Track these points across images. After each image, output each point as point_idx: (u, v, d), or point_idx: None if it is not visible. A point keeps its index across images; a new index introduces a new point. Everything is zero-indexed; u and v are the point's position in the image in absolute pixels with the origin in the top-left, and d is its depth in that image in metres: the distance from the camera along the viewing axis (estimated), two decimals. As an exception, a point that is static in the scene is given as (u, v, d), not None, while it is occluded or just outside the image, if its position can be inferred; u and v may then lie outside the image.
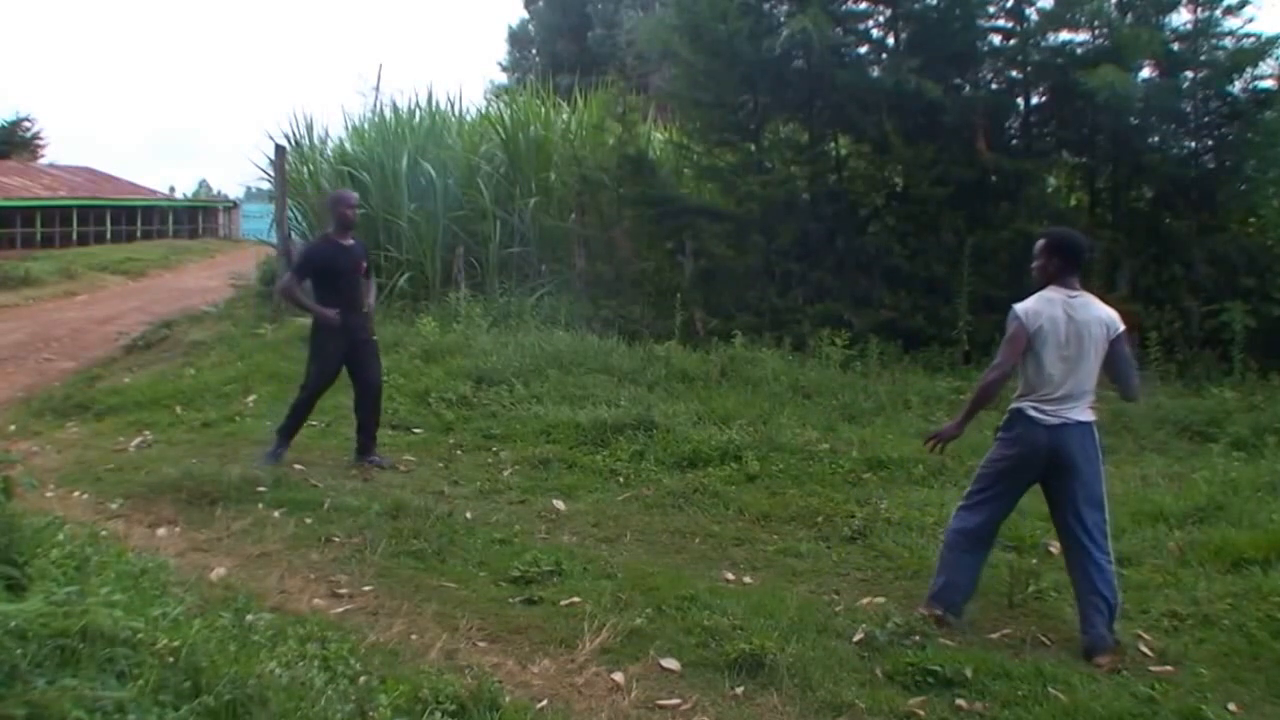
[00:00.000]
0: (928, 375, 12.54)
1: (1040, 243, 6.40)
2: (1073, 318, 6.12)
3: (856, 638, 5.97)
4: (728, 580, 7.04)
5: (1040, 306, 6.16)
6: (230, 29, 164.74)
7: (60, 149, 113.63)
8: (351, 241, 9.94)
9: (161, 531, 7.76)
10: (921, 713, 5.16)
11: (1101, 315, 6.16)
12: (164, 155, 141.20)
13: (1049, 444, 6.09)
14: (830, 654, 5.75)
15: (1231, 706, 5.26)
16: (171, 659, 3.86)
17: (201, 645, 4.05)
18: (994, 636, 6.15)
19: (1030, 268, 6.46)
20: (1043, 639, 6.12)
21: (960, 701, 5.26)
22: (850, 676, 5.51)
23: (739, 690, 5.36)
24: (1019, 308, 6.20)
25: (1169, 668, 5.73)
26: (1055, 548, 7.27)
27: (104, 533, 6.73)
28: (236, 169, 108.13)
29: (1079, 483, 6.12)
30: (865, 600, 6.64)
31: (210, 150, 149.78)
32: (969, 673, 5.46)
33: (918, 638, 5.92)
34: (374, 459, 9.78)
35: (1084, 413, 6.15)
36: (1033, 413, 6.11)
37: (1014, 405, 6.26)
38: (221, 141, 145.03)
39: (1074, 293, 6.20)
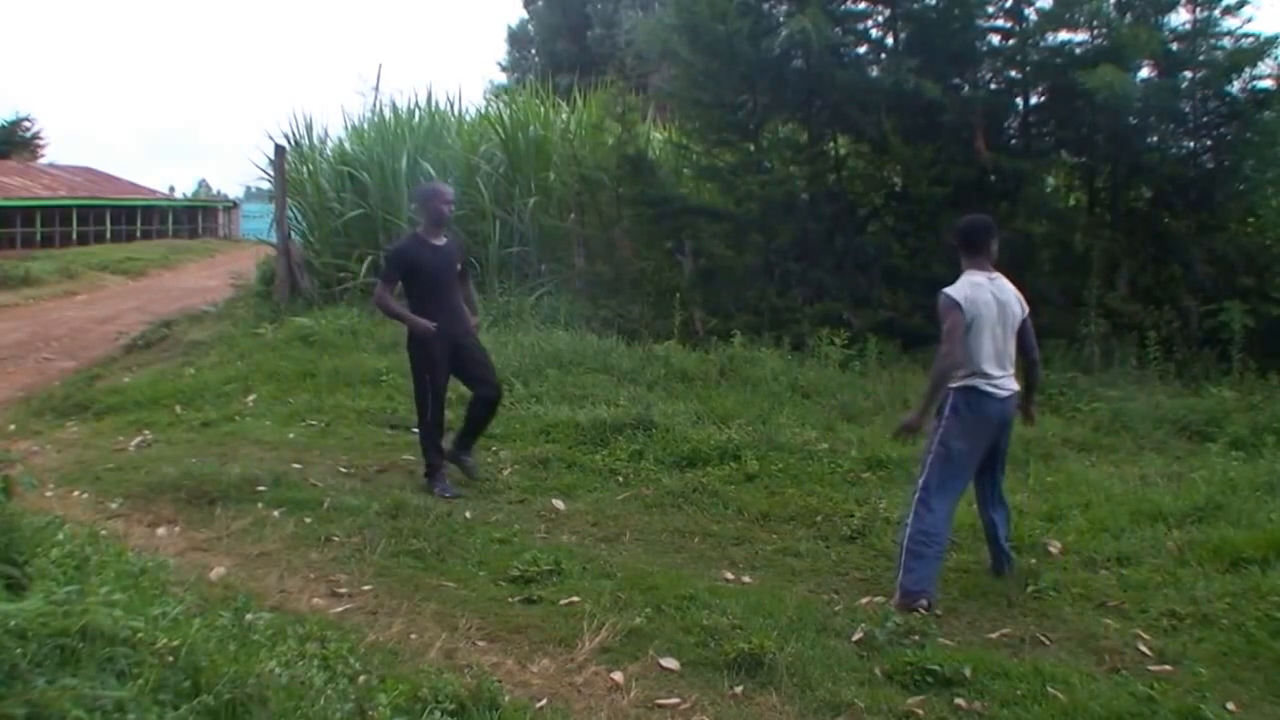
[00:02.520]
0: (926, 375, 12.51)
1: (951, 230, 7.08)
2: (998, 299, 6.63)
3: (855, 637, 5.99)
4: (727, 579, 7.06)
5: (973, 292, 6.56)
6: (230, 28, 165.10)
7: (60, 149, 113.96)
8: (444, 240, 9.35)
9: (161, 531, 7.77)
10: (920, 712, 5.17)
11: (1016, 294, 6.77)
12: (164, 155, 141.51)
13: (1002, 415, 6.69)
14: (829, 653, 5.76)
15: (1230, 706, 5.27)
16: (171, 658, 3.87)
17: (201, 645, 4.07)
18: (993, 636, 6.16)
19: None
20: (1042, 638, 6.12)
21: (959, 701, 5.27)
22: (849, 676, 5.51)
23: (738, 689, 5.36)
24: (956, 295, 6.53)
25: (1168, 667, 5.74)
26: (1055, 547, 7.33)
27: (104, 532, 6.75)
28: (236, 169, 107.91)
29: (1005, 443, 6.99)
30: (864, 600, 6.66)
31: (210, 150, 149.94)
32: (968, 672, 5.47)
33: (917, 637, 5.93)
34: (466, 459, 9.37)
35: (1015, 383, 6.76)
36: (989, 389, 6.56)
37: (965, 385, 6.59)
38: (221, 141, 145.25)
39: (992, 275, 6.73)
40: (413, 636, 5.85)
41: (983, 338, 6.53)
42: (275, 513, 8.12)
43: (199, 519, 8.08)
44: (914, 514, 6.59)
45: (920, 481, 6.67)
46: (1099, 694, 5.30)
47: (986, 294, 6.57)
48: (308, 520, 7.99)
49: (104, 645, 3.70)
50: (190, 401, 12.37)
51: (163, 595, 5.13)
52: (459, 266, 9.44)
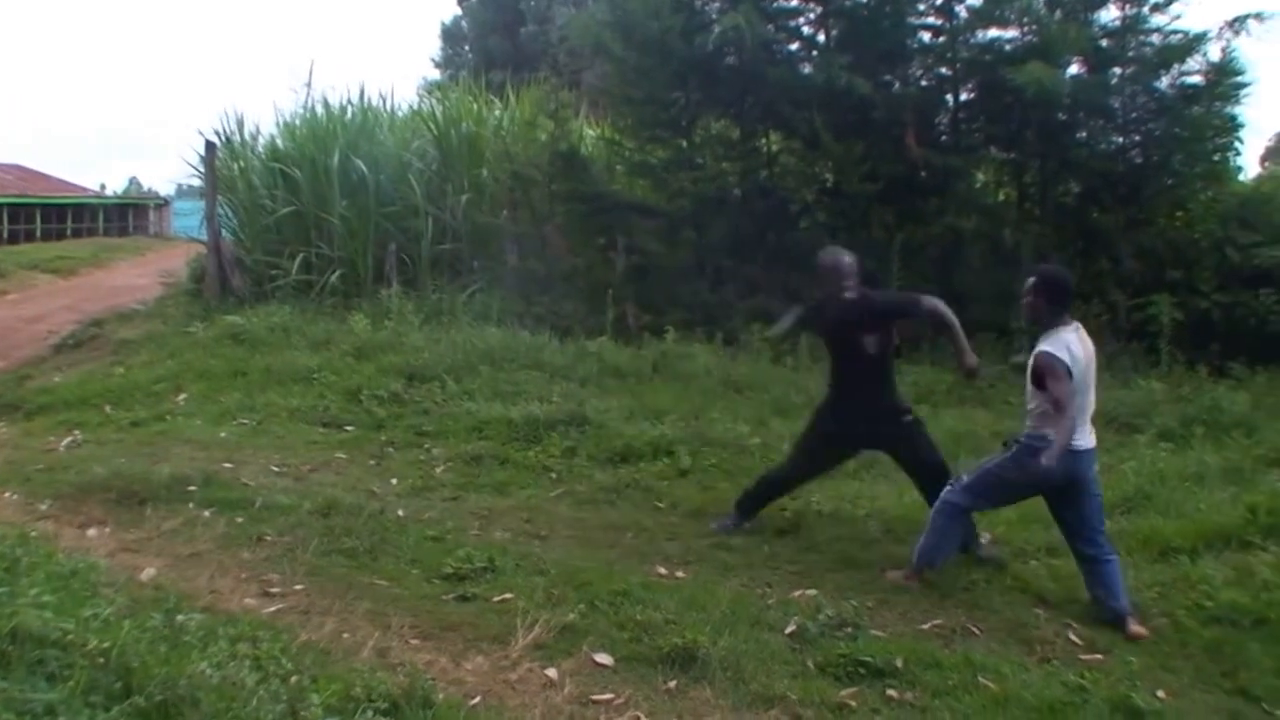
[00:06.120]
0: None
1: (1031, 280, 6.52)
2: (1088, 354, 6.43)
3: (788, 630, 6.00)
4: (660, 575, 7.05)
5: (1075, 351, 6.30)
6: (162, 25, 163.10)
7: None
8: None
9: (91, 532, 7.68)
10: (853, 703, 5.19)
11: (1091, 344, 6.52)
12: (95, 153, 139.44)
13: (1072, 469, 6.34)
14: (762, 646, 5.77)
15: (1160, 694, 5.36)
16: (102, 660, 3.84)
17: (132, 646, 4.03)
18: (925, 627, 6.20)
19: (1022, 303, 6.64)
20: (973, 629, 6.18)
21: (892, 692, 5.31)
22: (782, 669, 5.53)
23: (672, 684, 5.36)
24: (1064, 359, 6.21)
25: (1098, 656, 5.83)
26: (985, 538, 7.38)
27: (34, 534, 6.68)
28: (167, 166, 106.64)
29: (1088, 490, 6.54)
30: (797, 593, 6.66)
31: (141, 148, 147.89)
32: (900, 663, 5.52)
33: (849, 629, 5.96)
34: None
35: (1094, 437, 6.55)
36: (1073, 446, 6.26)
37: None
38: (152, 139, 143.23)
39: (1075, 325, 6.45)
40: (345, 635, 5.80)
41: (1081, 398, 6.33)
42: (206, 513, 8.03)
43: (129, 519, 7.97)
44: (959, 494, 6.69)
45: (968, 480, 6.73)
46: (1030, 683, 5.37)
47: (1081, 351, 6.35)
48: (239, 520, 7.89)
49: (34, 647, 3.67)
50: (120, 401, 12.25)
51: (93, 597, 5.07)
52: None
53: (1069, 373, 6.15)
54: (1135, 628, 6.14)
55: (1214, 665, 5.79)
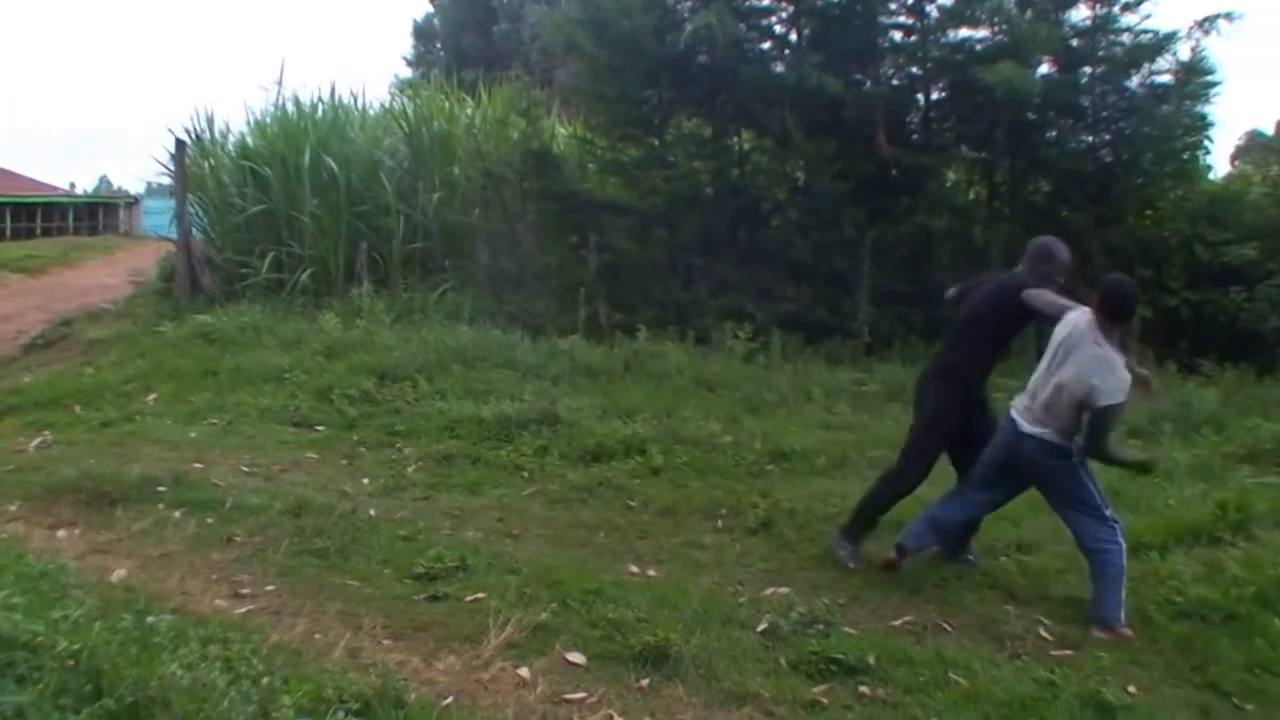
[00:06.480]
0: (830, 367, 12.66)
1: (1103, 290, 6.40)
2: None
3: (760, 628, 6.01)
4: (632, 573, 7.05)
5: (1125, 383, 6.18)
6: (132, 23, 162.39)
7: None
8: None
9: (61, 533, 7.61)
10: (825, 700, 5.21)
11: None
12: (65, 151, 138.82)
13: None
14: (735, 644, 5.78)
15: (1131, 689, 5.39)
16: (72, 662, 3.81)
17: (102, 648, 4.00)
18: (896, 624, 6.22)
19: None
20: (944, 625, 6.21)
21: (863, 688, 5.32)
22: (754, 666, 5.54)
23: (644, 682, 5.36)
24: (1122, 391, 6.10)
25: (1069, 652, 5.86)
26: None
27: (3, 535, 6.65)
28: (138, 164, 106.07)
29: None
30: (769, 590, 6.68)
31: (112, 146, 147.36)
32: (872, 660, 5.54)
33: (821, 626, 5.97)
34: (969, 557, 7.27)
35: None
36: None
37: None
38: (123, 137, 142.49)
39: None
40: (317, 636, 5.77)
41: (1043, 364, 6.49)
42: (176, 513, 7.96)
43: (99, 521, 7.91)
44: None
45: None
46: (1001, 679, 5.39)
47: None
48: (209, 521, 7.84)
49: (3, 650, 3.65)
50: (90, 401, 12.16)
51: (63, 598, 5.03)
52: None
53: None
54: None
55: (1184, 660, 5.82)
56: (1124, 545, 6.32)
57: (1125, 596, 6.25)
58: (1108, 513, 6.38)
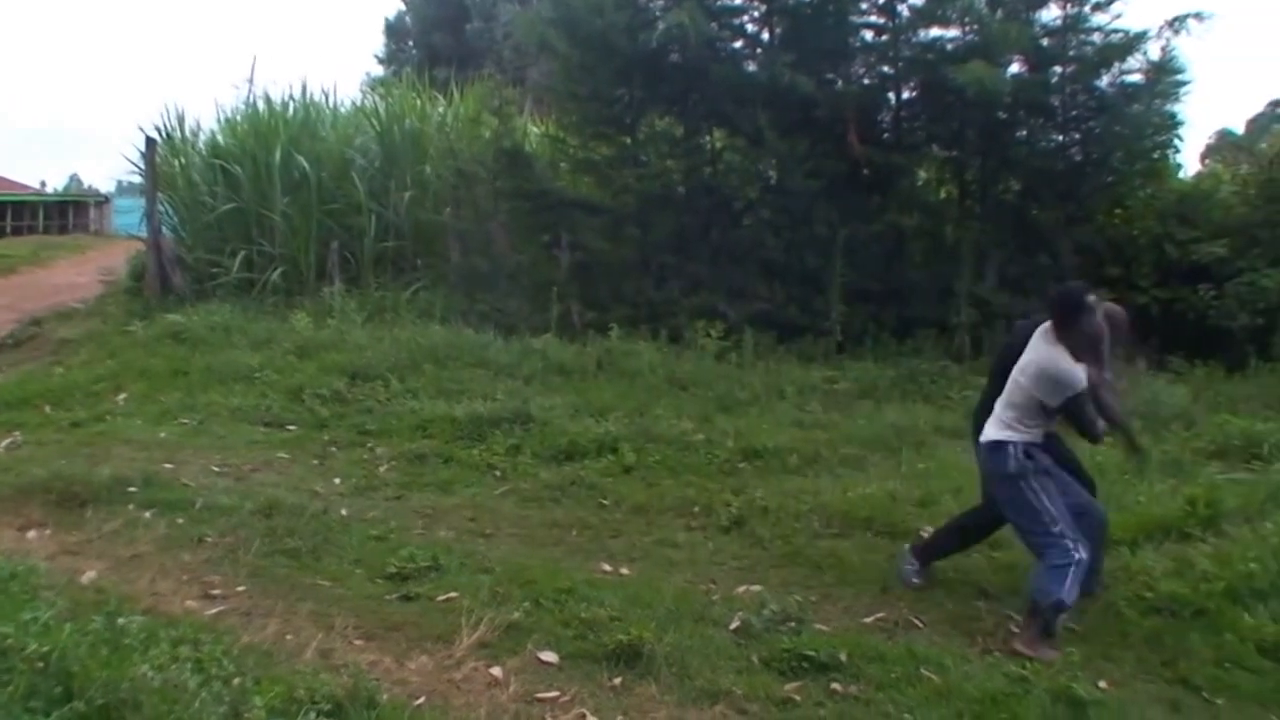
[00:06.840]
0: (802, 365, 12.67)
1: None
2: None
3: (733, 625, 6.01)
4: (605, 572, 7.06)
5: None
6: (102, 21, 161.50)
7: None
8: None
9: (31, 534, 7.58)
10: (798, 697, 5.21)
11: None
12: (35, 150, 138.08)
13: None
14: (707, 642, 5.78)
15: (1102, 684, 5.41)
16: (42, 664, 3.81)
17: (73, 650, 4.00)
18: (868, 620, 6.25)
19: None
20: (915, 621, 6.23)
21: (835, 685, 5.33)
22: (727, 664, 5.54)
23: (617, 681, 5.36)
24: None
25: (1039, 647, 5.86)
26: (927, 532, 7.41)
27: (-28, 537, 6.60)
28: (108, 163, 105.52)
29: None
30: (741, 588, 6.70)
31: (82, 144, 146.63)
32: (844, 656, 5.54)
33: (793, 624, 5.98)
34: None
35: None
36: None
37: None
38: (93, 135, 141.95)
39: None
40: (288, 637, 5.75)
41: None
42: (147, 514, 7.91)
43: (69, 521, 7.86)
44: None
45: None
46: (972, 675, 5.41)
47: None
48: (180, 521, 7.79)
49: (-27, 652, 3.63)
50: (60, 401, 12.07)
51: (33, 600, 5.02)
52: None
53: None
54: None
55: (1154, 655, 5.84)
56: (1079, 559, 5.96)
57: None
58: (1055, 529, 6.07)
